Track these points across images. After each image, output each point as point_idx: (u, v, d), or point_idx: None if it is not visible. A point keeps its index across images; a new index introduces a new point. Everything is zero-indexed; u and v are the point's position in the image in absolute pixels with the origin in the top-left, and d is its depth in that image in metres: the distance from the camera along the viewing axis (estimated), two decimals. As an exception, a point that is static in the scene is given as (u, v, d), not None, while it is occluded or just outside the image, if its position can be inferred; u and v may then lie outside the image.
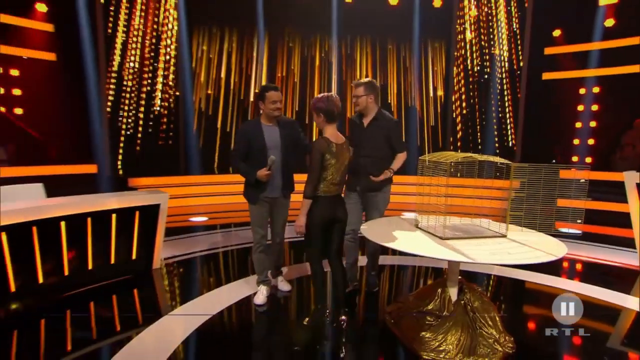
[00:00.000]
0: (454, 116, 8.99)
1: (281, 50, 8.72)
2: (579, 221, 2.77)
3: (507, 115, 8.72)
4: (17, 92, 7.40)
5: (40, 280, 3.13)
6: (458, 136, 8.96)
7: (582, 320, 2.82)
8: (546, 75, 8.36)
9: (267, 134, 3.13)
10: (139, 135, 7.86)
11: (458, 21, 8.80)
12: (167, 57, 8.02)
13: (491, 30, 8.64)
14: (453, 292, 2.87)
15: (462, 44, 8.84)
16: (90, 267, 3.44)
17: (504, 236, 2.87)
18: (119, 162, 7.57)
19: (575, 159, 8.00)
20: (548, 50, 8.36)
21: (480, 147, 8.71)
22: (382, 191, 3.29)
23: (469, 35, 8.76)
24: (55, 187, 3.96)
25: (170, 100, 8.19)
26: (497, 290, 4.10)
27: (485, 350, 2.69)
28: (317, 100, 2.75)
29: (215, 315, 3.08)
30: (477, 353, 2.66)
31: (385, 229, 2.96)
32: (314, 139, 3.96)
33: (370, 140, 3.21)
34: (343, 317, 2.97)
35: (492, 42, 8.66)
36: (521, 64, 8.54)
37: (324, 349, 2.79)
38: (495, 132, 8.73)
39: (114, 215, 3.55)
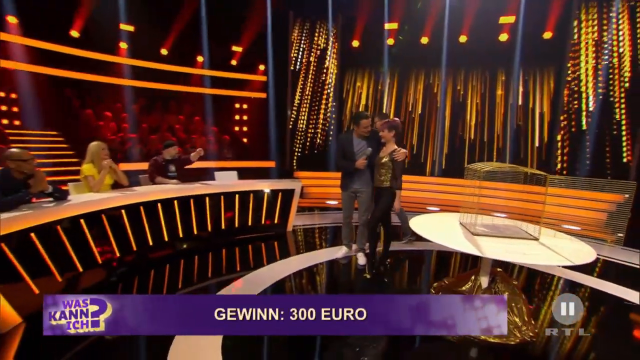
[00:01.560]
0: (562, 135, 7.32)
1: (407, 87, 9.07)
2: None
3: (623, 133, 6.66)
4: (245, 117, 10.20)
5: (223, 227, 4.59)
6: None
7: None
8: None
9: (355, 144, 3.76)
10: (307, 143, 9.51)
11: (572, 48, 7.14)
12: (327, 92, 9.43)
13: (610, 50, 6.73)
14: (484, 280, 2.86)
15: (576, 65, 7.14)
16: (249, 224, 4.78)
17: (536, 239, 2.68)
18: (294, 161, 9.29)
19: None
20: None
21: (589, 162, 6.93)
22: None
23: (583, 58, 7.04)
24: (245, 174, 5.53)
25: (326, 123, 9.56)
26: (542, 287, 3.73)
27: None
28: (393, 121, 3.58)
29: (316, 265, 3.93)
30: (491, 333, 2.62)
31: (431, 222, 3.15)
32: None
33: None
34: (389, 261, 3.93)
35: (611, 63, 6.76)
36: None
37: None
38: (607, 149, 6.79)
39: (265, 193, 4.82)
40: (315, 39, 9.33)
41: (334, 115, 9.49)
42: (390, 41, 8.87)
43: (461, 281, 3.00)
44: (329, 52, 9.20)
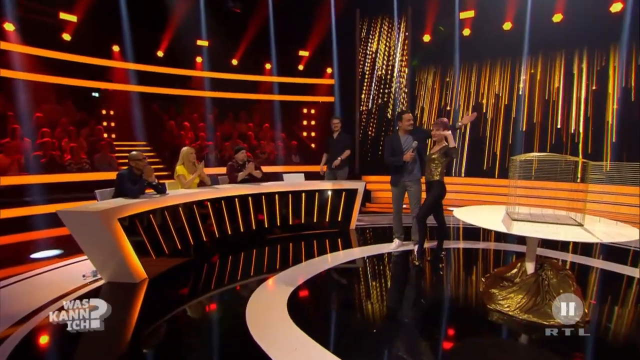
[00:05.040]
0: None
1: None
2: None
3: None
4: (313, 122, 11.45)
5: (290, 222, 5.65)
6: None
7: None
8: None
9: (402, 140, 4.60)
10: (378, 145, 10.32)
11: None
12: (396, 94, 10.15)
13: None
14: (529, 266, 3.40)
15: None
16: (315, 220, 5.78)
17: (580, 225, 3.16)
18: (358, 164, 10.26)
19: None
20: None
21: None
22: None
23: None
24: (313, 178, 6.57)
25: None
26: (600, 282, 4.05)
27: (544, 313, 3.13)
28: (442, 121, 4.29)
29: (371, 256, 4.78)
30: (535, 312, 3.14)
31: (479, 212, 3.81)
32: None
33: None
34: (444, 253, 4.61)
35: None
36: None
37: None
38: None
39: (330, 193, 5.80)
40: (384, 36, 10.21)
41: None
42: (466, 31, 9.33)
43: (508, 269, 3.56)
44: (398, 49, 10.01)
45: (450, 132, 4.22)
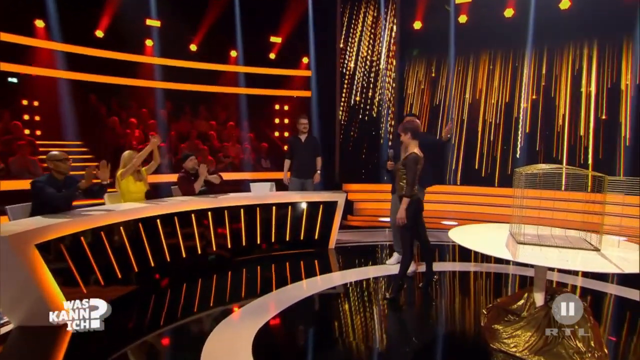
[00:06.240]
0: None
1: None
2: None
3: None
4: (286, 120, 11.34)
5: (258, 241, 5.53)
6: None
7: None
8: None
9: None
10: (362, 149, 10.33)
11: None
12: (382, 88, 10.21)
13: None
14: (538, 297, 3.36)
15: None
16: (287, 238, 5.66)
17: (597, 250, 3.14)
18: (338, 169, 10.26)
19: None
20: None
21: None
22: None
23: None
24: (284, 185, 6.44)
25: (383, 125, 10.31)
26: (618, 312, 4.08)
27: (557, 355, 3.10)
28: (407, 122, 4.11)
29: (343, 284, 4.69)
30: (546, 354, 3.11)
31: (475, 232, 3.77)
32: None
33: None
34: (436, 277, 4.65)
35: None
36: None
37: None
38: None
39: (305, 206, 5.69)
40: (368, 23, 10.22)
41: (390, 112, 10.21)
42: (462, 18, 9.44)
43: (513, 299, 3.52)
44: (385, 37, 10.03)
45: (409, 136, 4.03)
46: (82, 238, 3.71)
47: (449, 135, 4.81)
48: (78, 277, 3.64)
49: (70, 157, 4.18)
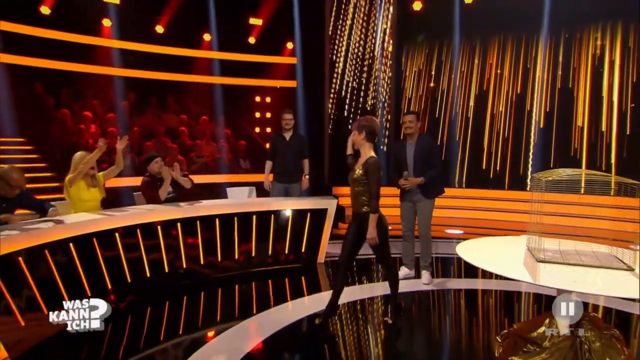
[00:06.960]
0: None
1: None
2: None
3: None
4: (268, 115, 11.12)
5: (236, 256, 5.31)
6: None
7: None
8: None
9: (409, 150, 4.89)
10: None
11: None
12: (377, 79, 10.08)
13: None
14: (562, 325, 3.18)
15: None
16: (270, 252, 5.48)
17: (631, 269, 2.96)
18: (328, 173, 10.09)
19: None
20: None
21: None
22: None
23: None
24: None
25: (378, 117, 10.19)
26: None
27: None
28: (364, 119, 3.82)
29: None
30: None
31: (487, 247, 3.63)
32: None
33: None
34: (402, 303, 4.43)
35: None
36: None
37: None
38: None
39: (290, 214, 5.52)
40: (362, 3, 10.06)
41: (386, 105, 10.05)
42: (468, -1, 9.32)
43: (532, 325, 3.33)
44: (381, 20, 9.88)
45: (363, 136, 3.72)
46: (19, 259, 3.42)
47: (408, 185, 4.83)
48: (13, 306, 3.35)
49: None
